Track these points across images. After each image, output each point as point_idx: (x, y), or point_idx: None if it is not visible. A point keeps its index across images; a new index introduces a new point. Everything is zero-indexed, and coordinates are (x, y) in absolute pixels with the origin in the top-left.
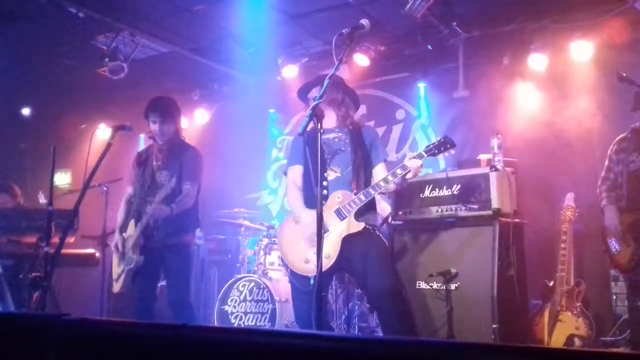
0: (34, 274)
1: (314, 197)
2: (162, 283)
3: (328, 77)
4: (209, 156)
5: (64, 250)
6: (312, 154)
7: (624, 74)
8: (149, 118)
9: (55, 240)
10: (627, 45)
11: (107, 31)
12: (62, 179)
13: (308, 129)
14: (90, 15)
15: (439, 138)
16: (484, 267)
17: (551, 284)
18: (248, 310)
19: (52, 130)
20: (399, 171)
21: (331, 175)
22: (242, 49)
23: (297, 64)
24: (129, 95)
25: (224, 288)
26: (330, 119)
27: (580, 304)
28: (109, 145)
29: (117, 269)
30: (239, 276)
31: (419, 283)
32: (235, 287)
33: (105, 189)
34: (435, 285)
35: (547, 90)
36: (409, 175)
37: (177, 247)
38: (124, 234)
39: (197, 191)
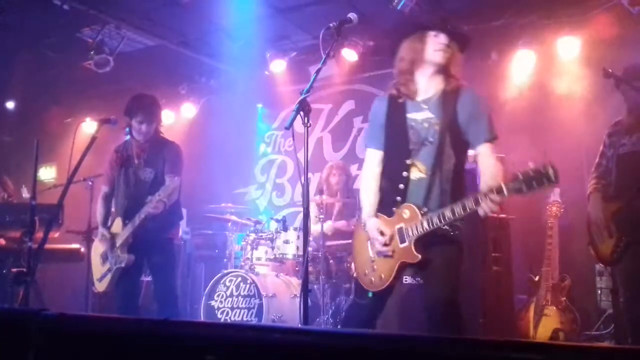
0: (17, 269)
1: (390, 200)
2: (147, 278)
3: (315, 71)
4: (196, 151)
5: (48, 246)
6: (390, 139)
7: (610, 70)
8: (132, 117)
9: (40, 235)
10: (614, 42)
11: (92, 24)
12: (47, 173)
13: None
14: (75, 8)
15: (536, 168)
16: (470, 262)
17: (536, 278)
18: (235, 306)
19: (37, 123)
20: (470, 205)
21: (414, 173)
22: (230, 42)
23: (285, 59)
24: (115, 89)
25: (210, 283)
26: (428, 83)
27: (565, 298)
28: (93, 139)
29: (100, 267)
30: (225, 271)
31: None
32: (222, 282)
33: (90, 183)
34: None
35: (534, 86)
36: (480, 212)
37: (162, 242)
38: (110, 231)
39: (180, 184)
